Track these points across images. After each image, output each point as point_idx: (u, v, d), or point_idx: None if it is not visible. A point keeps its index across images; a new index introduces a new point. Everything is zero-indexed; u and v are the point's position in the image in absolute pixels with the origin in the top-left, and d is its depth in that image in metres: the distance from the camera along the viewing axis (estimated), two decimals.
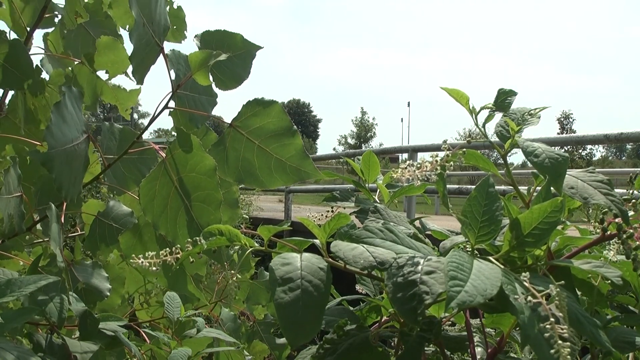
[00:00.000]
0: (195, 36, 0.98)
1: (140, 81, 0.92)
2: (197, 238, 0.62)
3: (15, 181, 0.90)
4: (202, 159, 0.88)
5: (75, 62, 1.16)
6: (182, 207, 0.90)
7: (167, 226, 0.90)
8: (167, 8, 1.14)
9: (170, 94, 0.93)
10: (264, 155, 0.89)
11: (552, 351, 0.42)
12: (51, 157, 0.78)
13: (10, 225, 0.89)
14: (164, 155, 0.90)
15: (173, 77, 0.93)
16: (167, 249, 0.65)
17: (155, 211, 0.90)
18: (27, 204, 0.93)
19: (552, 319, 0.44)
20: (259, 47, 1.01)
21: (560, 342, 0.42)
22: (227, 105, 0.96)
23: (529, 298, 0.46)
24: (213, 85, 1.00)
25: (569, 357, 0.42)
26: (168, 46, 0.95)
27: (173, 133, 0.92)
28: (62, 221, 0.90)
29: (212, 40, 0.98)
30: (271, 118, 0.88)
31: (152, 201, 0.90)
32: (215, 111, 1.02)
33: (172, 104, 0.94)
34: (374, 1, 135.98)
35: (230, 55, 0.96)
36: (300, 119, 62.87)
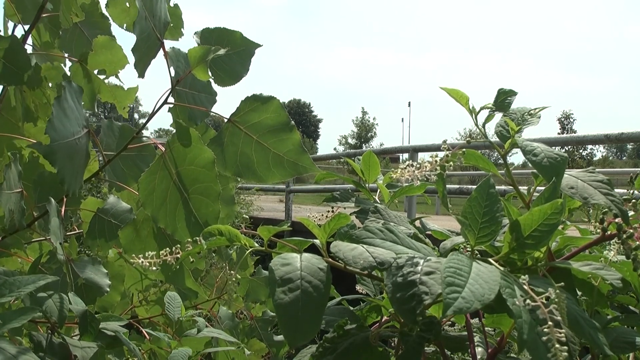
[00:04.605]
0: (195, 33, 0.99)
1: (141, 74, 0.92)
2: (197, 238, 0.62)
3: (16, 177, 0.90)
4: (201, 152, 0.89)
5: (69, 62, 1.16)
6: (181, 200, 0.91)
7: (167, 219, 0.91)
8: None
9: (170, 89, 0.94)
10: (262, 150, 0.90)
11: (549, 355, 0.42)
12: (53, 149, 0.79)
13: (11, 221, 0.89)
14: (163, 149, 0.91)
15: (173, 74, 0.94)
16: (167, 248, 0.65)
17: (154, 204, 0.91)
18: (27, 200, 0.93)
19: (550, 322, 0.43)
20: (258, 45, 1.01)
21: (557, 345, 0.42)
22: (229, 105, 0.97)
23: (528, 301, 0.45)
24: (213, 84, 1.01)
25: None
26: (166, 44, 0.96)
27: (173, 130, 0.93)
28: (63, 216, 0.90)
29: (211, 37, 0.98)
30: (269, 113, 0.89)
31: (152, 195, 0.91)
32: (216, 110, 1.03)
33: (171, 100, 0.95)
34: (374, 1, 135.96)
35: (229, 52, 0.96)
36: (301, 119, 62.85)
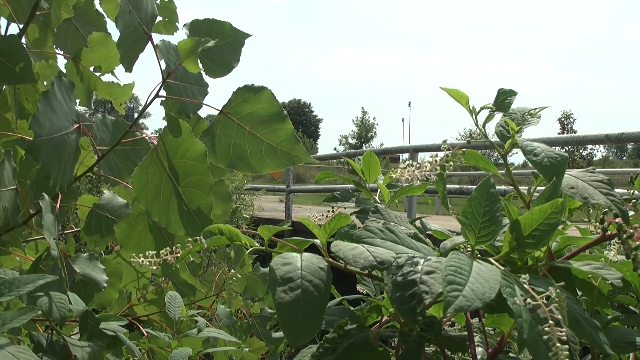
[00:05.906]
0: (184, 25, 0.98)
1: (128, 69, 0.92)
2: (198, 237, 0.62)
3: (10, 174, 0.89)
4: (193, 144, 0.89)
5: (62, 59, 1.16)
6: (174, 193, 0.91)
7: (160, 212, 0.91)
8: (158, 0, 1.14)
9: (161, 83, 0.94)
10: (255, 141, 0.90)
11: (550, 354, 0.42)
12: (37, 145, 0.78)
13: (5, 219, 0.89)
14: (155, 143, 0.91)
15: (163, 67, 0.93)
16: (167, 248, 0.65)
17: (148, 198, 0.91)
18: (22, 197, 0.93)
19: (551, 322, 0.43)
20: (248, 35, 1.01)
21: (558, 344, 0.42)
22: (224, 99, 0.96)
23: (528, 300, 0.45)
24: (204, 75, 1.01)
25: None
26: (159, 38, 0.96)
27: None
28: (57, 212, 0.90)
29: (201, 28, 0.98)
30: (261, 104, 0.89)
31: (145, 189, 0.91)
32: (210, 103, 1.02)
33: (163, 93, 0.95)
34: (374, 1, 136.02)
35: (219, 43, 0.96)
36: (301, 119, 62.82)
